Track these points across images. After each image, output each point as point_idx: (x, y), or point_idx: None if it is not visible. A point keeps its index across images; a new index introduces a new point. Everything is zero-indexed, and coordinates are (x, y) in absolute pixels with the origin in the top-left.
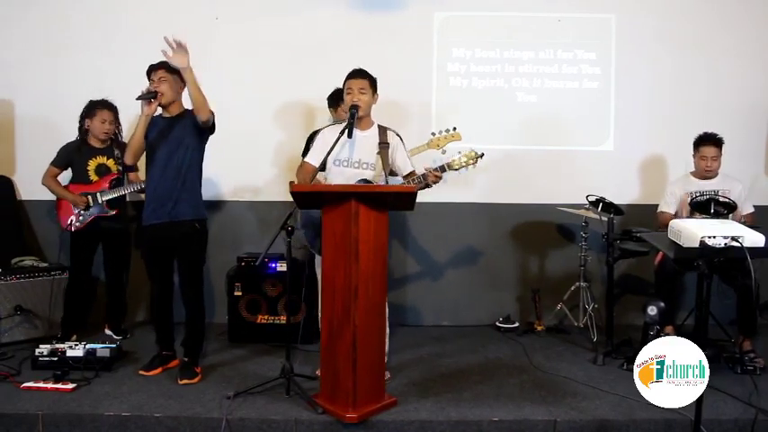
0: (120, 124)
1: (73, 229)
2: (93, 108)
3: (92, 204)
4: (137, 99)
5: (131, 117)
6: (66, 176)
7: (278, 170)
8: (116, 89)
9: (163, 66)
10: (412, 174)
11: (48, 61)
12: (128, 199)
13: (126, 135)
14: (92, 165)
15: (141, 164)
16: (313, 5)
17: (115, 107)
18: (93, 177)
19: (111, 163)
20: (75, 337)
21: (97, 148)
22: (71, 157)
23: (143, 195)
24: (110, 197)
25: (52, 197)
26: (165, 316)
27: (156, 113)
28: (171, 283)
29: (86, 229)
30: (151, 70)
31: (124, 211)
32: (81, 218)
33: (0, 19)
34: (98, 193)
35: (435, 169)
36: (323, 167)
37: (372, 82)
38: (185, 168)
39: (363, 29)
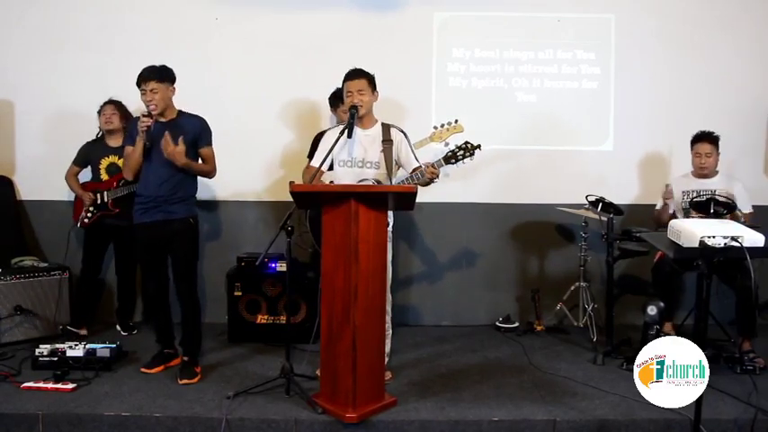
0: (129, 120)
1: (79, 225)
2: (101, 108)
3: (98, 201)
4: (141, 134)
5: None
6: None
7: (278, 170)
8: (116, 89)
9: (152, 77)
10: (417, 169)
11: (48, 61)
12: None
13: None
14: (104, 163)
15: None
16: (313, 5)
17: (119, 102)
18: (104, 176)
19: (121, 162)
20: (85, 330)
21: (111, 147)
22: (87, 155)
23: None
24: (115, 196)
25: (53, 197)
26: (162, 314)
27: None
28: (167, 281)
29: (95, 226)
30: (141, 81)
31: (131, 210)
32: (89, 214)
33: (0, 19)
34: (106, 192)
35: (432, 165)
36: (331, 168)
37: (370, 80)
38: (180, 172)
39: (363, 29)
